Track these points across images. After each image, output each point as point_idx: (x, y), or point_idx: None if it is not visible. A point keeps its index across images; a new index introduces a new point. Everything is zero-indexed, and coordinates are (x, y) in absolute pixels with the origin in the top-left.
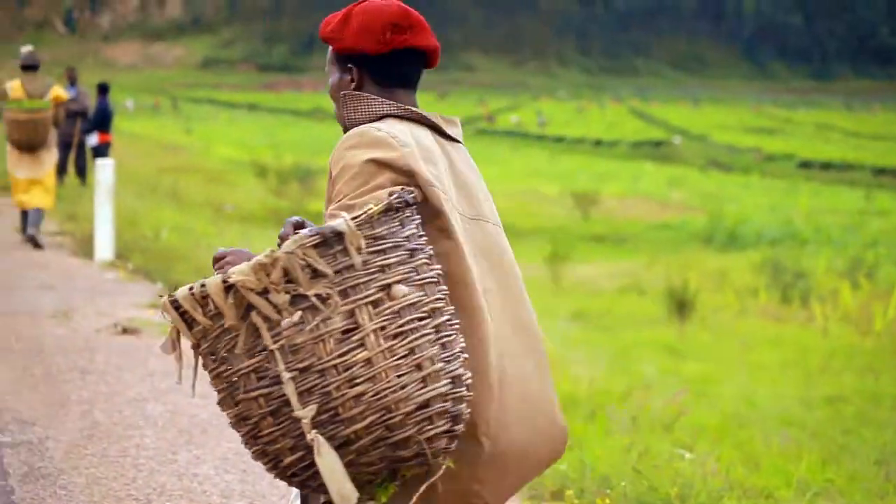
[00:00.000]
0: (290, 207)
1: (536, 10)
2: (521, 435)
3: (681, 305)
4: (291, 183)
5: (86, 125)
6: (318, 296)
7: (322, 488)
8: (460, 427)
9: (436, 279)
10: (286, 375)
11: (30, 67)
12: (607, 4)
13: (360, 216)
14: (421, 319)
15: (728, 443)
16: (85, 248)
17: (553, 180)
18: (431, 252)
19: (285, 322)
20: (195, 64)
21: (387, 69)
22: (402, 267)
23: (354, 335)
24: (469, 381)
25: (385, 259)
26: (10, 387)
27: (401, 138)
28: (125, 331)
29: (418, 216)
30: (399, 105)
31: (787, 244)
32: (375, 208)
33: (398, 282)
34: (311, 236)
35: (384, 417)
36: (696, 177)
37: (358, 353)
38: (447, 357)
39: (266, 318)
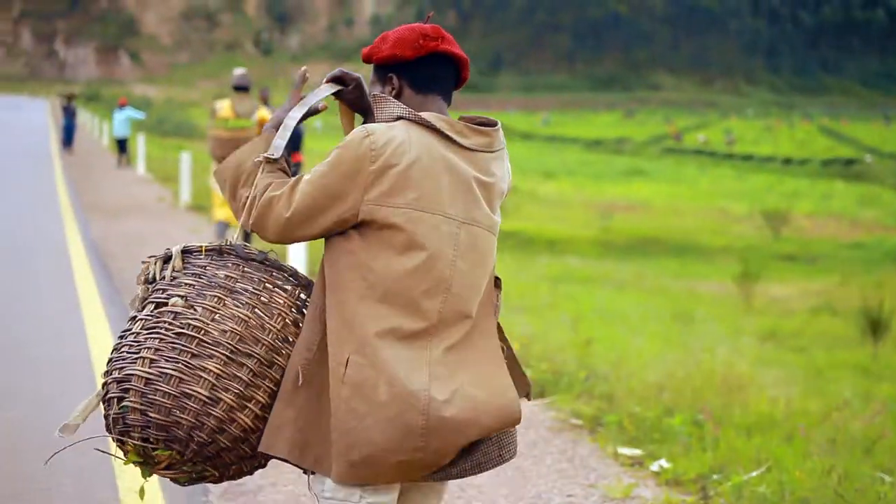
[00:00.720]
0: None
1: (724, 29)
2: (463, 413)
3: (875, 326)
4: None
5: None
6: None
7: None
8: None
9: (229, 316)
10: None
11: (241, 88)
12: (796, 21)
13: (193, 248)
14: (173, 327)
15: None
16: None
17: (742, 199)
18: (246, 298)
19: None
20: None
21: (423, 73)
22: (191, 289)
23: (136, 317)
24: (131, 387)
25: (185, 280)
26: None
27: (389, 146)
28: None
29: (246, 267)
30: (411, 111)
31: None
32: (205, 246)
33: (180, 296)
34: (162, 254)
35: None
36: (888, 195)
37: (130, 331)
38: (167, 357)
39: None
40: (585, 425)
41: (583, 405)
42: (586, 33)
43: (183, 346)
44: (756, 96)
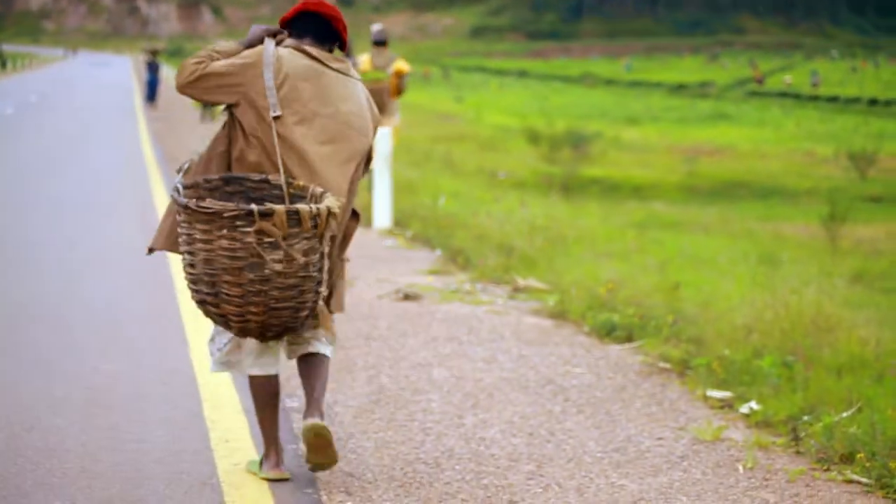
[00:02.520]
0: (562, 173)
1: None
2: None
3: None
4: (563, 149)
5: None
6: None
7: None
8: None
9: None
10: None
11: (379, 43)
12: None
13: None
14: None
15: None
16: (364, 215)
17: (827, 141)
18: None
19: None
20: (464, 33)
21: (297, 25)
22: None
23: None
24: None
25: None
26: None
27: (254, 58)
28: (407, 297)
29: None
30: (295, 43)
31: None
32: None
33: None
34: None
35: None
36: None
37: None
38: None
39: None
40: (674, 368)
41: (671, 349)
42: None
43: None
44: (841, 38)
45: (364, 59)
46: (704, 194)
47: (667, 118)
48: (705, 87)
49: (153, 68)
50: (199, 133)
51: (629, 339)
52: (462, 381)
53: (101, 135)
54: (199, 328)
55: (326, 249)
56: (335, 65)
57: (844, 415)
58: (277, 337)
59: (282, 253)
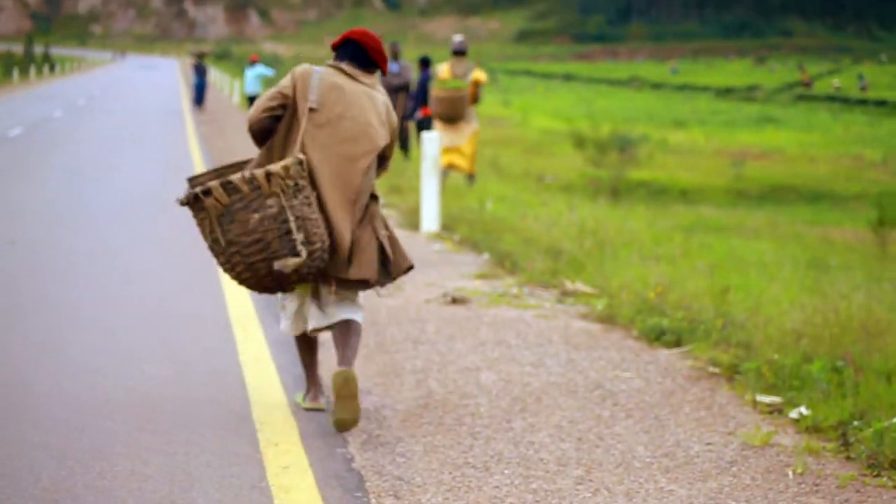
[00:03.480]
0: (609, 177)
1: None
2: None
3: None
4: (610, 152)
5: (409, 100)
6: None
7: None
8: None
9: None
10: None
11: (459, 53)
12: None
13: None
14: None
15: None
16: (411, 219)
17: (876, 145)
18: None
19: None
20: (511, 36)
21: (339, 53)
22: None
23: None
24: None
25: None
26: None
27: (306, 70)
28: (454, 301)
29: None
30: (334, 62)
31: None
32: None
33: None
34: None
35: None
36: None
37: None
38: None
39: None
40: (723, 373)
41: (720, 353)
42: None
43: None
44: (889, 41)
45: (444, 67)
46: (752, 198)
47: (714, 121)
48: (752, 90)
49: (200, 71)
50: (245, 135)
51: (678, 343)
52: (510, 385)
53: (149, 138)
54: (246, 331)
55: (297, 201)
56: (364, 79)
57: (895, 420)
58: (281, 286)
59: (231, 219)
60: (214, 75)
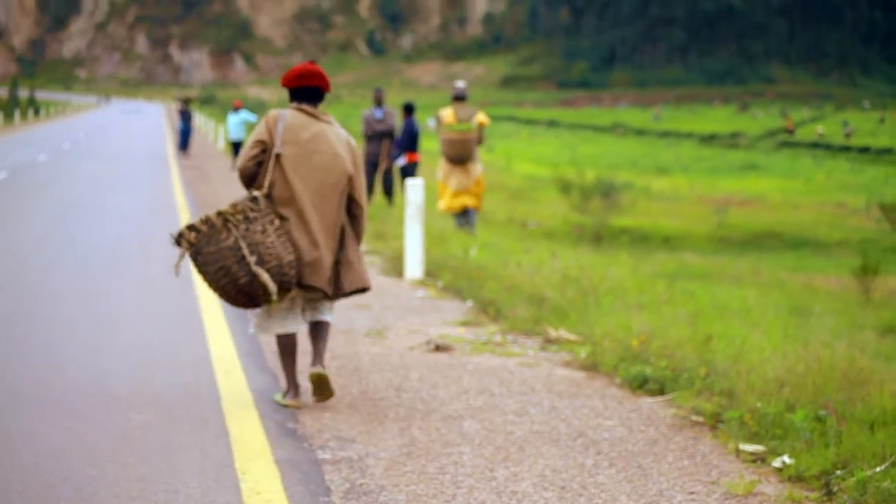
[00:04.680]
0: (592, 223)
1: (840, 19)
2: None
3: None
4: (594, 199)
5: (394, 147)
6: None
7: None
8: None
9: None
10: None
11: (460, 98)
12: None
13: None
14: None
15: None
16: (395, 265)
17: (859, 192)
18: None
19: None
20: (495, 82)
21: (296, 95)
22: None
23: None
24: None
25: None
26: (329, 404)
27: (273, 116)
28: (438, 348)
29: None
30: (296, 105)
31: None
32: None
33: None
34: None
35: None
36: None
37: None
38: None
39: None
40: (706, 422)
41: (703, 401)
42: (700, 26)
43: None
44: (872, 87)
45: (448, 112)
46: (735, 245)
47: (697, 168)
48: (736, 137)
49: (186, 117)
50: (229, 180)
51: (661, 391)
52: (493, 433)
53: (134, 182)
54: (229, 377)
55: (248, 231)
56: (323, 118)
57: (878, 469)
58: (252, 302)
59: (198, 252)
60: (199, 120)
